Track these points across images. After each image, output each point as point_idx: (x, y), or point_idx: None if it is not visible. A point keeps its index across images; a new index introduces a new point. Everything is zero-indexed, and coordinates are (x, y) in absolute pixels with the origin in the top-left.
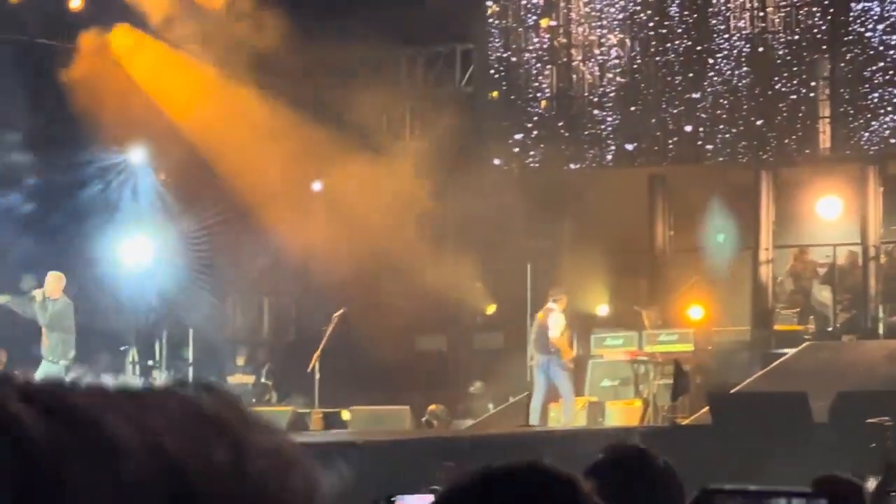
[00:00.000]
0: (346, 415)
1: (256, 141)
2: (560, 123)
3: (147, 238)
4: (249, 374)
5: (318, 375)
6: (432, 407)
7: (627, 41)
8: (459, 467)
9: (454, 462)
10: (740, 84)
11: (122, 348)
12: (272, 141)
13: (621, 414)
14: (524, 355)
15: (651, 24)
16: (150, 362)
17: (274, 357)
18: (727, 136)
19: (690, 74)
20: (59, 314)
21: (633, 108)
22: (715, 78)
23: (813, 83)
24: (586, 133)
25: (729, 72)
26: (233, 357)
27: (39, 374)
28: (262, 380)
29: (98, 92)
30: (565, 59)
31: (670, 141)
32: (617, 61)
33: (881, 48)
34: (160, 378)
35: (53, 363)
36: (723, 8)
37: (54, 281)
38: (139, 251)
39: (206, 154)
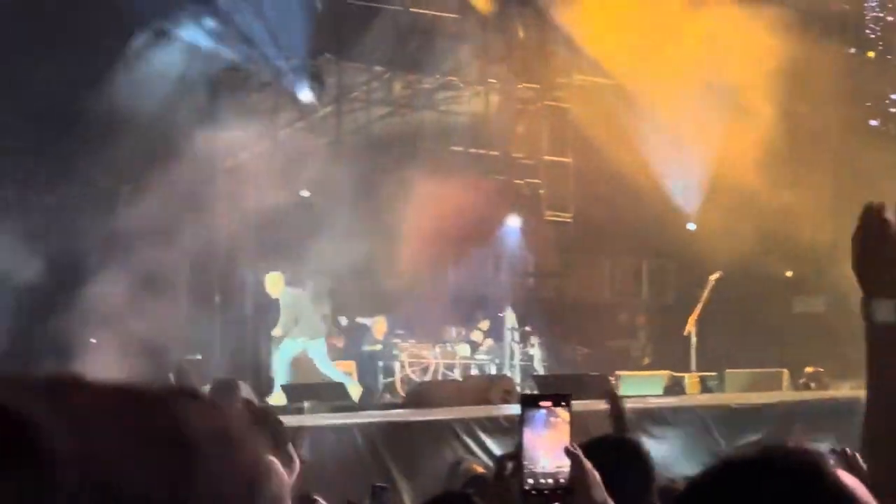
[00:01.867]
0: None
1: None
2: None
3: None
4: (627, 338)
5: (694, 339)
6: (809, 369)
7: None
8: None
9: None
10: None
11: (500, 314)
12: None
13: None
14: None
15: None
16: (528, 328)
17: (651, 320)
18: None
19: None
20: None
21: None
22: None
23: None
24: None
25: None
26: (612, 320)
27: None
28: (641, 343)
29: None
30: None
31: None
32: None
33: None
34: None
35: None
36: None
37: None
38: None
39: None
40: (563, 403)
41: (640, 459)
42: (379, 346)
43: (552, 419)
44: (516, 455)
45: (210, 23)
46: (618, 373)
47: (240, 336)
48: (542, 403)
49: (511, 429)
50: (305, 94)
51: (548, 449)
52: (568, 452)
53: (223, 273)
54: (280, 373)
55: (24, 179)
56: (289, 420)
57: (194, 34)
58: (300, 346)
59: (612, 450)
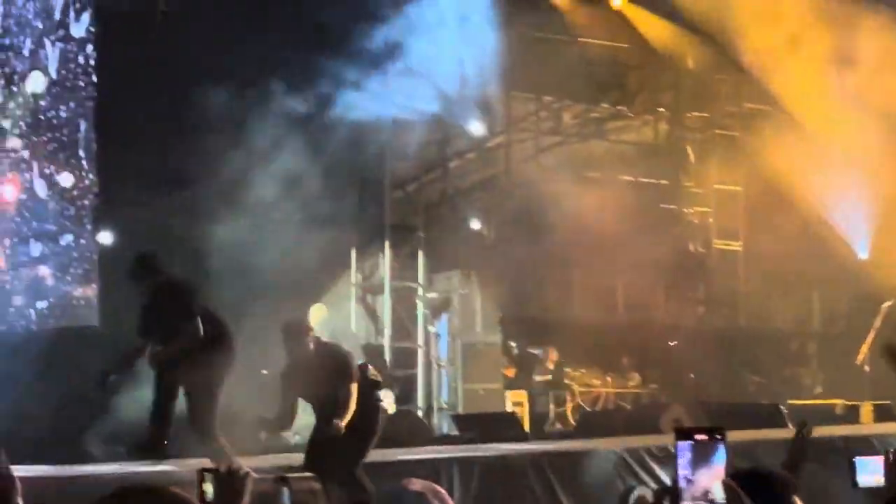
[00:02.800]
0: None
1: None
2: None
3: None
4: (799, 366)
5: (867, 368)
6: None
7: None
8: None
9: None
10: None
11: (670, 343)
12: None
13: None
14: None
15: None
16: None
17: (823, 348)
18: None
19: None
20: None
21: None
22: None
23: None
24: None
25: None
26: (783, 348)
27: None
28: (812, 371)
29: None
30: None
31: None
32: None
33: None
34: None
35: None
36: None
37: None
38: None
39: None
40: (718, 436)
41: (788, 493)
42: (550, 376)
43: (707, 452)
44: (673, 488)
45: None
46: (789, 401)
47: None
48: (697, 436)
49: None
50: (475, 125)
51: (704, 481)
52: (724, 485)
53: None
54: None
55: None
56: (461, 450)
57: None
58: None
59: (764, 481)
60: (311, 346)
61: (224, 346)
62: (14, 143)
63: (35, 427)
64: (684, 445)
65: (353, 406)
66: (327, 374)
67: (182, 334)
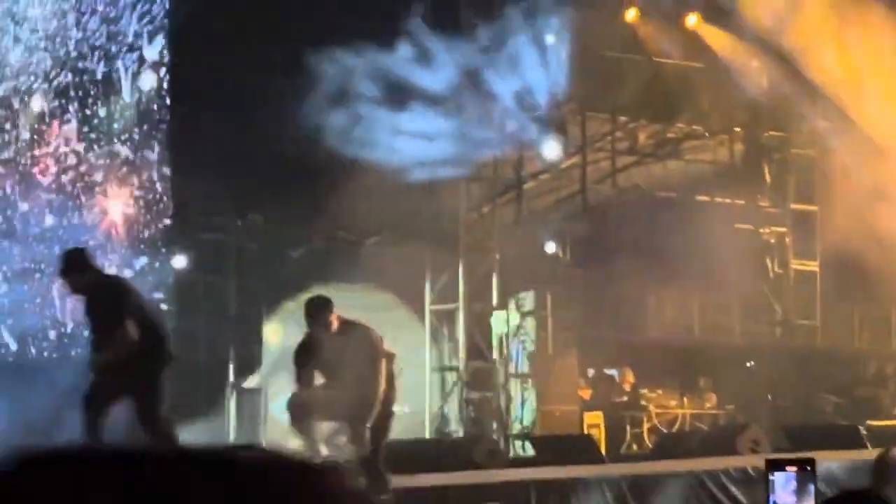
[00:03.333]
0: None
1: None
2: None
3: None
4: (877, 387)
5: None
6: None
7: None
8: None
9: None
10: None
11: (748, 364)
12: None
13: None
14: None
15: None
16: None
17: None
18: None
19: None
20: None
21: None
22: None
23: None
24: None
25: None
26: (862, 369)
27: None
28: (891, 392)
29: None
30: None
31: None
32: None
33: None
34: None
35: None
36: None
37: None
38: None
39: None
40: (808, 468)
41: None
42: (626, 398)
43: (798, 482)
44: None
45: None
46: (868, 422)
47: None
48: (788, 467)
49: (758, 479)
50: (550, 146)
51: None
52: None
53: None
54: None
55: (269, 232)
56: (537, 473)
57: None
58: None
59: None
60: (335, 323)
61: (160, 347)
62: (89, 165)
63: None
64: (778, 476)
65: (383, 383)
66: (353, 353)
67: (113, 341)
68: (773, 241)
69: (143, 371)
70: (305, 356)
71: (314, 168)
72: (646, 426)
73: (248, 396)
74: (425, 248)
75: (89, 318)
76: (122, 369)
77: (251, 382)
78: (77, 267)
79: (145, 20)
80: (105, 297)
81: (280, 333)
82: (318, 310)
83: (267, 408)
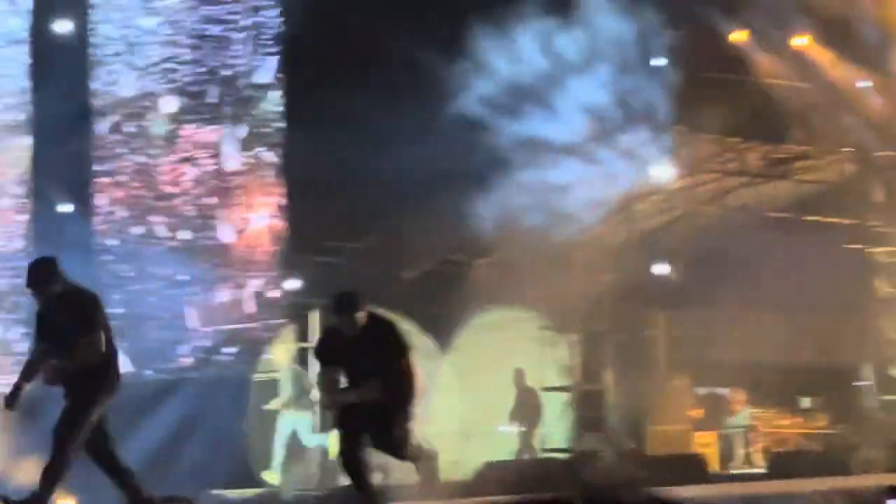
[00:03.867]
0: None
1: None
2: None
3: None
4: None
5: None
6: None
7: None
8: None
9: None
10: None
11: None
12: None
13: None
14: None
15: None
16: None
17: None
18: None
19: None
20: None
21: None
22: None
23: None
24: None
25: None
26: None
27: None
28: None
29: None
30: None
31: None
32: None
33: None
34: None
35: None
36: None
37: None
38: None
39: None
40: None
41: None
42: (737, 417)
43: None
44: None
45: None
46: None
47: None
48: None
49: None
50: (659, 168)
51: None
52: None
53: None
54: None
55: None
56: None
57: None
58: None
59: None
60: (365, 319)
61: (116, 368)
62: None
63: None
64: None
65: (413, 380)
66: (379, 348)
67: (82, 347)
68: (884, 260)
69: (96, 383)
70: (331, 354)
71: (429, 192)
72: (757, 445)
73: None
74: (537, 271)
75: (62, 327)
76: (81, 377)
77: None
78: (48, 278)
79: (259, 43)
80: (78, 308)
81: None
82: (348, 307)
83: None
